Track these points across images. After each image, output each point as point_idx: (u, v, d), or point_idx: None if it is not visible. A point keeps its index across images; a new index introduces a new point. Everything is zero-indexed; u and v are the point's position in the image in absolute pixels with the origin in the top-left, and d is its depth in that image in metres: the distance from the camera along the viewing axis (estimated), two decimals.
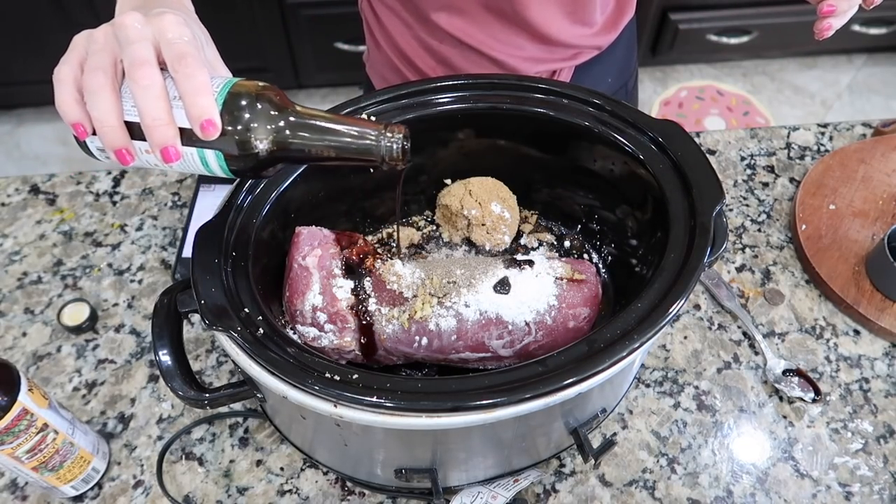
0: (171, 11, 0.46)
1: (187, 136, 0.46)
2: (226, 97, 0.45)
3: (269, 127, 0.46)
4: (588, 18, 0.81)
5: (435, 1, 0.77)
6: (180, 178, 0.94)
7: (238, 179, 0.61)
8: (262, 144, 0.46)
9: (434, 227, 0.77)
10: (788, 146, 0.98)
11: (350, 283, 0.61)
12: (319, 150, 0.48)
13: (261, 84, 0.47)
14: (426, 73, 0.84)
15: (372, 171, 0.69)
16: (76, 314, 0.78)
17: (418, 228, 0.77)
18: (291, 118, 0.47)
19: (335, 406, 0.48)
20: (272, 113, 0.46)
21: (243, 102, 0.46)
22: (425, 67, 0.84)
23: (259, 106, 0.46)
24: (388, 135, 0.49)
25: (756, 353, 0.78)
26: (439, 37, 0.81)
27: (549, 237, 0.76)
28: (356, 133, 0.49)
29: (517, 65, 0.81)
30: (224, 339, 0.52)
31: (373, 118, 0.51)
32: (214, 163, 0.47)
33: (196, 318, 0.80)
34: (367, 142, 0.49)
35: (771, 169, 0.95)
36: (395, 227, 0.77)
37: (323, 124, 0.48)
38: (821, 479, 0.69)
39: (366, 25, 0.89)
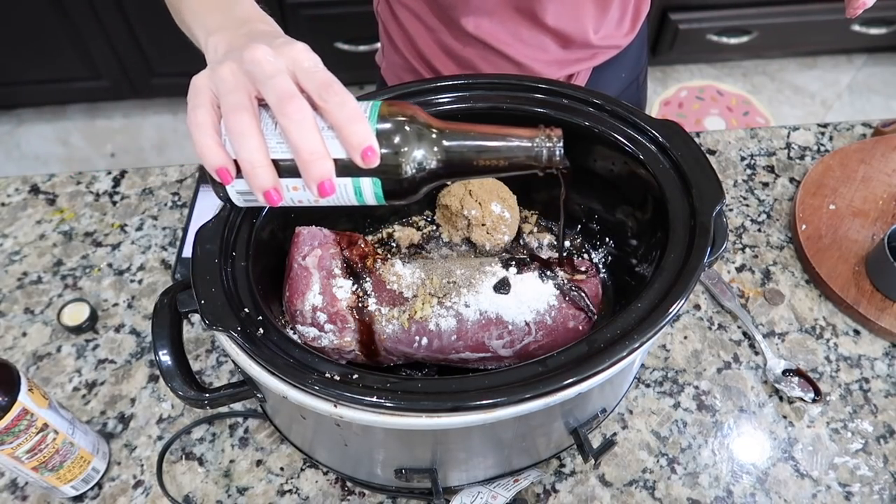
0: (297, 41, 0.45)
1: (340, 168, 0.44)
2: (377, 121, 0.44)
3: (424, 147, 0.45)
4: (612, 19, 0.81)
5: (466, 5, 0.77)
6: (180, 177, 0.94)
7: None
8: (418, 166, 0.45)
9: (434, 227, 0.77)
10: (788, 146, 0.98)
11: (350, 283, 0.61)
12: (478, 165, 0.47)
13: (406, 104, 0.46)
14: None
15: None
16: (76, 314, 0.78)
17: (418, 228, 0.77)
18: (445, 136, 0.46)
19: (335, 406, 0.48)
20: (424, 132, 0.45)
21: (394, 126, 0.44)
22: (445, 70, 0.84)
23: (409, 128, 0.45)
24: (546, 140, 0.47)
25: (756, 353, 0.78)
26: (464, 40, 0.80)
27: (549, 237, 0.76)
28: (514, 143, 0.47)
29: (540, 68, 0.82)
30: (224, 339, 0.52)
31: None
32: (370, 191, 0.46)
33: (196, 318, 0.80)
34: (526, 149, 0.47)
35: (771, 169, 0.95)
36: (393, 227, 0.77)
37: (479, 139, 0.46)
38: (821, 479, 0.69)
39: (381, 27, 0.88)
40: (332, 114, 0.42)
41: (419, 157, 0.45)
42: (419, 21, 0.82)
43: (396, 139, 0.44)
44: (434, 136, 0.46)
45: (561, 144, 0.47)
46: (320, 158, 0.42)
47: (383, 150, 0.44)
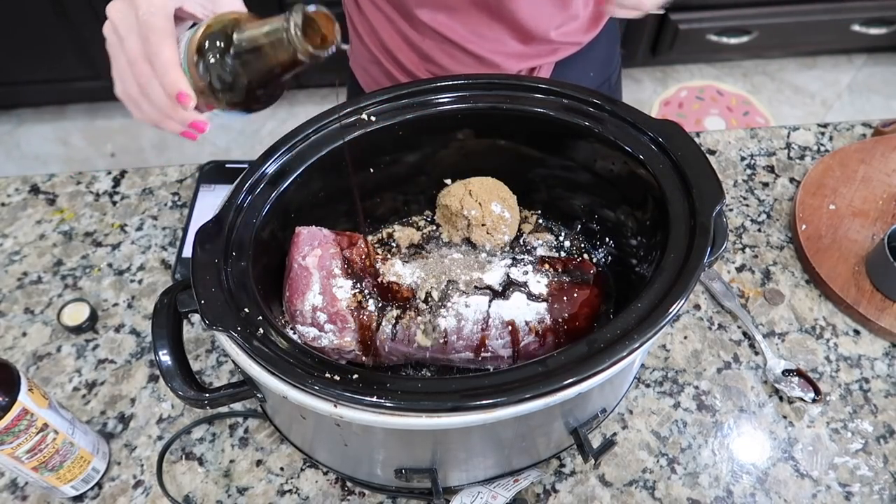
0: None
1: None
2: (187, 56, 0.48)
3: (218, 65, 0.48)
4: (571, 15, 0.80)
5: None
6: (180, 177, 0.94)
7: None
8: (223, 84, 0.48)
9: (434, 227, 0.77)
10: (788, 146, 0.98)
11: (350, 283, 0.61)
12: (259, 67, 0.48)
13: (207, 25, 0.49)
14: (409, 68, 0.84)
15: (372, 170, 0.69)
16: (76, 314, 0.78)
17: (418, 228, 0.77)
18: (221, 50, 0.48)
19: (335, 406, 0.48)
20: (214, 51, 0.48)
21: (197, 57, 0.48)
22: (408, 63, 0.84)
23: (207, 53, 0.48)
24: (290, 15, 0.46)
25: (756, 353, 0.78)
26: (422, 31, 0.80)
27: (549, 237, 0.76)
28: (267, 28, 0.47)
29: (500, 61, 0.81)
30: (224, 339, 0.52)
31: (372, 118, 0.51)
32: (224, 113, 0.51)
33: (196, 318, 0.80)
34: (279, 30, 0.46)
35: (771, 169, 0.95)
36: (393, 227, 0.77)
37: (242, 41, 0.48)
38: (821, 479, 0.69)
39: (348, 19, 0.89)
40: (152, 66, 0.48)
41: (220, 74, 0.48)
42: (380, 12, 0.82)
43: (203, 66, 0.48)
44: (217, 51, 0.48)
45: (302, 13, 0.46)
46: (168, 117, 0.49)
47: (200, 82, 0.48)
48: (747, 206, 0.91)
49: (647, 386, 0.75)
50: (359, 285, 0.62)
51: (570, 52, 0.85)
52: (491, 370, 0.63)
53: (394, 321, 0.61)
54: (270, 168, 0.63)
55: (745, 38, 2.11)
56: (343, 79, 1.01)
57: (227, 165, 0.92)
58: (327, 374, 0.49)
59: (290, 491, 0.69)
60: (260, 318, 0.53)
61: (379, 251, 0.65)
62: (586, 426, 0.60)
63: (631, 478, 0.70)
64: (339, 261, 0.62)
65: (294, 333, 0.62)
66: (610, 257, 0.73)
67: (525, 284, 0.61)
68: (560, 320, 0.61)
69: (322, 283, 0.61)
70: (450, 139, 0.71)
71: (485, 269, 0.62)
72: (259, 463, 0.70)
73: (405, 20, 0.81)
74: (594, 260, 0.74)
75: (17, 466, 0.60)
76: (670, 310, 0.51)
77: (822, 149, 0.97)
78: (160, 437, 0.72)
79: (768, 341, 0.79)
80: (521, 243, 0.76)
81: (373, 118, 0.66)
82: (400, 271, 0.62)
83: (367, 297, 0.61)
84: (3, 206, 0.91)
